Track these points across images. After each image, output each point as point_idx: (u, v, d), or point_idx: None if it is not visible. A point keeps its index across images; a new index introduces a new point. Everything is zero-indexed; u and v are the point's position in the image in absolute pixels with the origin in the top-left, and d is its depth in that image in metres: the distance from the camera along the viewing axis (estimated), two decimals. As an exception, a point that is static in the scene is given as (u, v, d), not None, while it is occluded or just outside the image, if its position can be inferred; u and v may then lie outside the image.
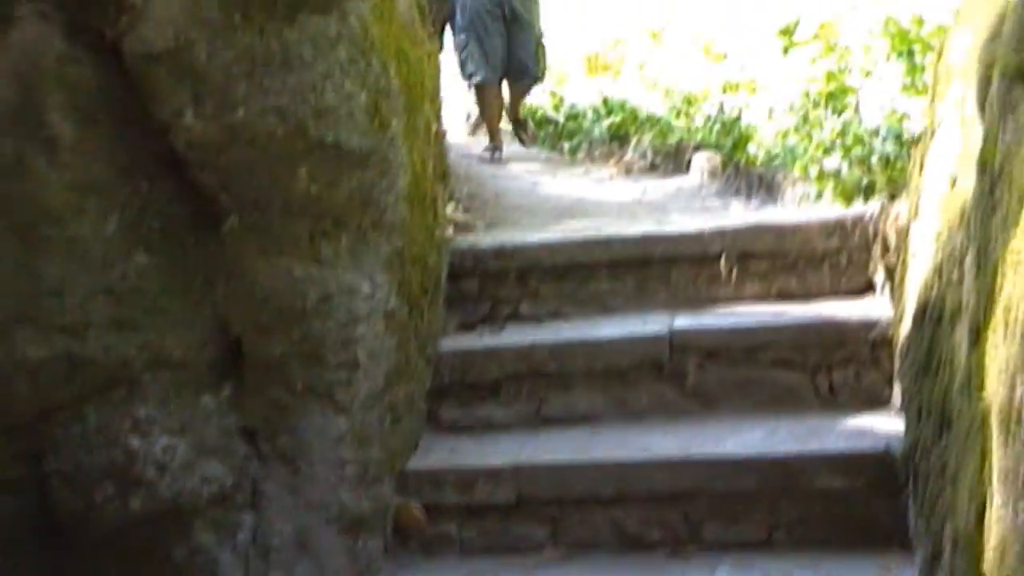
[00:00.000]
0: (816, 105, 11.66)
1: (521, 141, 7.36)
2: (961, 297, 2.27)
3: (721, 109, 7.32)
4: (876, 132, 4.22)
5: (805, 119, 8.76)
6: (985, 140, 1.99)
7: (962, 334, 2.14)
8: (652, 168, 6.22)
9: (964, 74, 2.74)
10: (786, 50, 10.84)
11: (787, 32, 10.51)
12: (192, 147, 2.88)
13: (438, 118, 3.60)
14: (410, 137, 3.13)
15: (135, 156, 2.91)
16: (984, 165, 1.99)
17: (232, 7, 2.77)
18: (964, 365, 2.04)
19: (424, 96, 3.32)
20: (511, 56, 6.80)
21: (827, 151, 4.24)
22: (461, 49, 6.76)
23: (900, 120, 11.54)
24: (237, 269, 3.02)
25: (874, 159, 3.96)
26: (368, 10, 2.89)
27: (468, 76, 6.79)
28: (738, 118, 6.47)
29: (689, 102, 7.32)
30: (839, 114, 12.20)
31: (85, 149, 2.84)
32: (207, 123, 2.83)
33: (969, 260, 2.12)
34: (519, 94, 7.20)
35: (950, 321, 2.40)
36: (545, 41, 7.13)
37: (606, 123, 6.88)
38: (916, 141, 3.80)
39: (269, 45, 2.79)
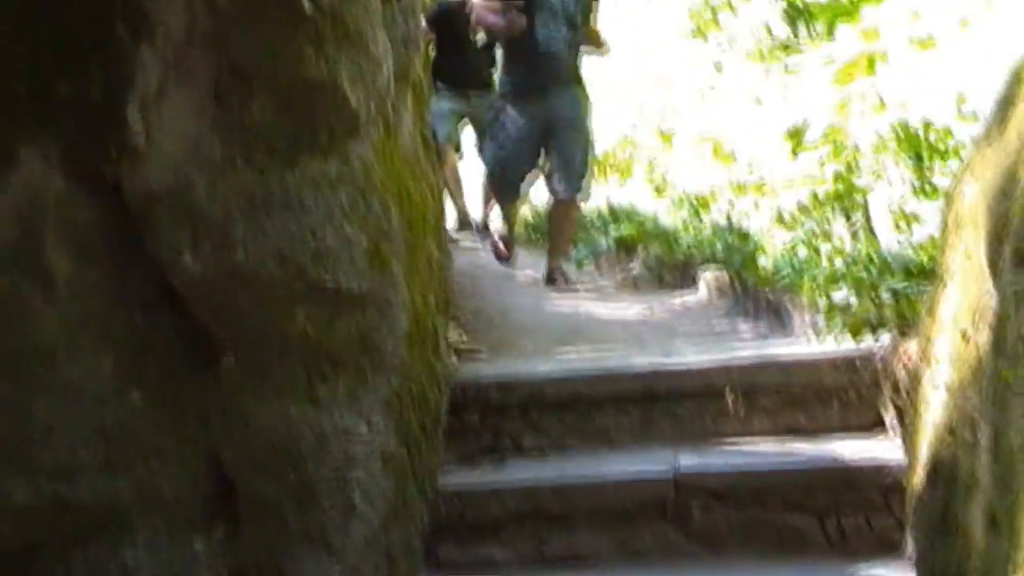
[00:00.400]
0: (824, 205, 11.66)
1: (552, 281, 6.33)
2: (975, 468, 2.19)
3: (729, 220, 7.31)
4: (885, 262, 4.16)
5: (813, 234, 8.75)
6: (999, 320, 1.94)
7: (977, 513, 2.06)
8: (660, 282, 6.18)
9: (974, 225, 2.70)
10: (795, 152, 10.89)
11: (796, 134, 10.55)
12: (190, 286, 2.84)
13: (441, 248, 3.56)
14: (411, 275, 3.09)
15: (131, 292, 2.88)
16: (998, 344, 1.93)
17: (233, 148, 2.75)
18: (983, 551, 1.95)
19: (426, 231, 3.29)
20: (551, 167, 6.06)
21: (835, 281, 4.18)
22: (488, 152, 6.38)
23: (909, 223, 11.45)
24: (233, 408, 2.96)
25: (884, 293, 3.90)
26: (371, 151, 2.87)
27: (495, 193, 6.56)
28: (746, 234, 6.44)
29: (697, 211, 7.32)
30: (848, 216, 12.18)
31: (82, 286, 2.80)
32: (206, 263, 2.79)
33: (985, 437, 2.04)
34: (558, 212, 6.25)
35: (965, 490, 2.32)
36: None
37: (613, 235, 6.87)
38: (927, 273, 3.76)
39: (270, 187, 2.76)
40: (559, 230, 6.27)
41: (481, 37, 7.04)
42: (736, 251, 5.79)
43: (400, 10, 3.03)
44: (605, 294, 5.85)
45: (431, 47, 7.45)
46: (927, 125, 8.79)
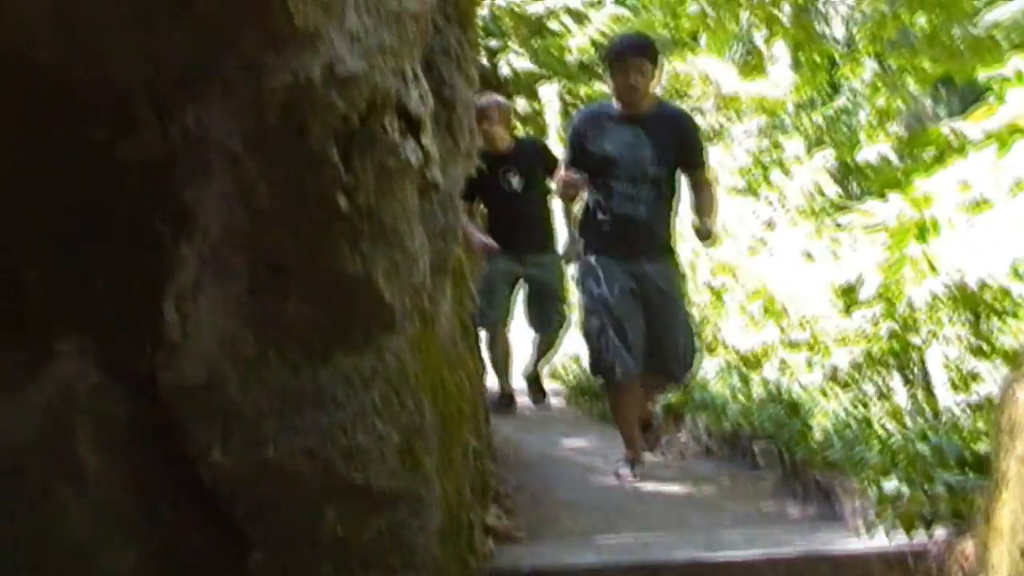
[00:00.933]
0: (879, 363, 11.47)
1: (648, 449, 5.80)
2: None
3: (778, 388, 7.19)
4: (939, 450, 4.01)
5: (866, 398, 8.58)
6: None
7: None
8: (707, 453, 6.04)
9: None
10: (848, 310, 10.77)
11: (849, 292, 10.45)
12: (219, 481, 2.80)
13: (479, 435, 3.50)
14: (445, 469, 3.03)
15: (160, 485, 2.84)
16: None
17: (267, 344, 2.74)
18: None
19: (462, 421, 3.24)
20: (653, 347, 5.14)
21: (886, 472, 4.04)
22: (591, 336, 5.17)
23: (967, 383, 11.19)
24: (259, 606, 2.88)
25: (938, 486, 3.74)
26: (406, 345, 2.84)
27: (598, 370, 5.21)
28: (796, 404, 6.31)
29: (746, 378, 7.21)
30: (905, 375, 11.95)
31: (110, 479, 2.78)
32: (235, 459, 2.76)
33: None
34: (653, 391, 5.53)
35: None
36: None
37: (661, 401, 6.76)
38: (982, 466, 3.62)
39: (302, 383, 2.74)
40: (646, 409, 5.43)
41: (517, 181, 6.95)
42: (785, 425, 5.65)
43: (439, 202, 3.04)
44: (652, 464, 5.71)
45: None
46: (983, 285, 8.67)
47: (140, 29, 2.41)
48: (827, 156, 10.92)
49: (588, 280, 5.12)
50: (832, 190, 10.90)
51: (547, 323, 7.46)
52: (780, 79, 11.47)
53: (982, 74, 8.66)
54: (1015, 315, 9.46)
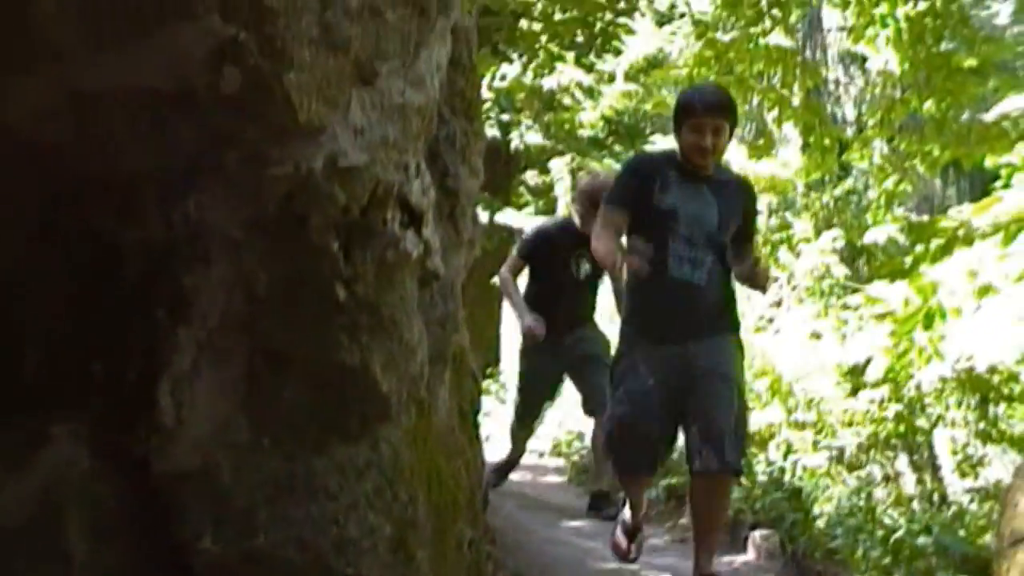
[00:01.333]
0: (885, 446, 11.35)
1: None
2: None
3: (782, 473, 7.13)
4: (942, 548, 3.96)
5: (871, 481, 8.47)
6: None
7: None
8: (709, 538, 5.95)
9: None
10: (855, 391, 10.71)
11: (856, 372, 10.40)
12: (209, 569, 2.76)
13: (474, 524, 3.46)
14: (439, 562, 2.99)
15: (149, 574, 2.81)
16: None
17: (262, 431, 2.73)
18: None
19: (458, 513, 3.20)
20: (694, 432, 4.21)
21: (888, 573, 3.99)
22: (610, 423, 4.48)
23: (974, 467, 11.03)
24: None
25: (938, 586, 3.70)
26: (401, 436, 2.83)
27: (611, 460, 4.70)
28: (799, 490, 6.25)
29: (750, 464, 7.14)
30: (913, 458, 11.78)
31: (99, 567, 2.74)
32: (226, 547, 2.73)
33: None
34: (707, 488, 4.27)
35: None
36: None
37: (663, 483, 6.70)
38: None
39: (296, 472, 2.72)
40: (708, 516, 4.27)
41: (587, 269, 6.15)
42: (787, 512, 5.60)
43: (439, 291, 3.05)
44: (654, 551, 5.64)
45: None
46: (992, 369, 8.62)
47: (148, 119, 2.43)
48: (836, 236, 10.93)
49: (617, 366, 4.38)
50: (840, 270, 10.89)
51: (604, 398, 5.48)
52: (789, 160, 11.53)
53: (990, 160, 8.72)
54: (1022, 400, 9.39)
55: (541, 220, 11.15)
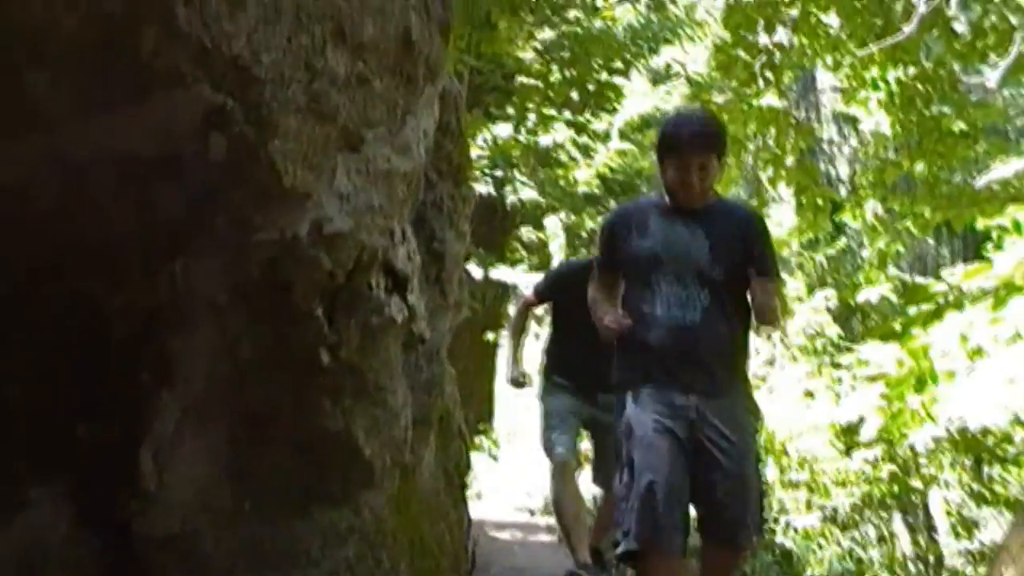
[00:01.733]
0: (879, 506, 11.27)
1: None
2: None
3: (773, 535, 7.09)
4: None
5: (859, 562, 8.41)
6: None
7: None
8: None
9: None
10: (848, 451, 10.67)
11: (850, 432, 10.37)
12: (188, 635, 2.74)
13: (459, 589, 3.43)
14: (420, 629, 2.97)
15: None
16: None
17: (244, 496, 2.72)
18: None
19: (441, 577, 3.19)
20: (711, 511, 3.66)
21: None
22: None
23: (969, 529, 10.99)
24: None
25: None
26: (384, 501, 2.81)
27: (624, 537, 3.58)
28: (789, 552, 6.21)
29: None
30: (908, 519, 11.70)
31: (77, 631, 2.72)
32: (206, 613, 2.71)
33: None
34: (720, 562, 3.78)
35: None
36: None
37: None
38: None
39: (277, 537, 2.70)
40: None
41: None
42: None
43: (424, 354, 3.05)
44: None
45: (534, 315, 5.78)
46: (985, 431, 8.60)
47: (134, 184, 2.45)
48: (828, 296, 10.96)
49: (621, 426, 3.75)
50: (833, 330, 10.92)
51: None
52: (783, 219, 11.60)
53: (980, 223, 8.77)
54: (1016, 463, 9.37)
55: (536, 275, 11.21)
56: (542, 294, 5.34)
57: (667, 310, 3.77)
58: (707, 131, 3.93)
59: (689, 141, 3.79)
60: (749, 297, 3.78)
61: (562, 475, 4.76)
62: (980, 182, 8.88)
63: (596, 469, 5.39)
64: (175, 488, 2.69)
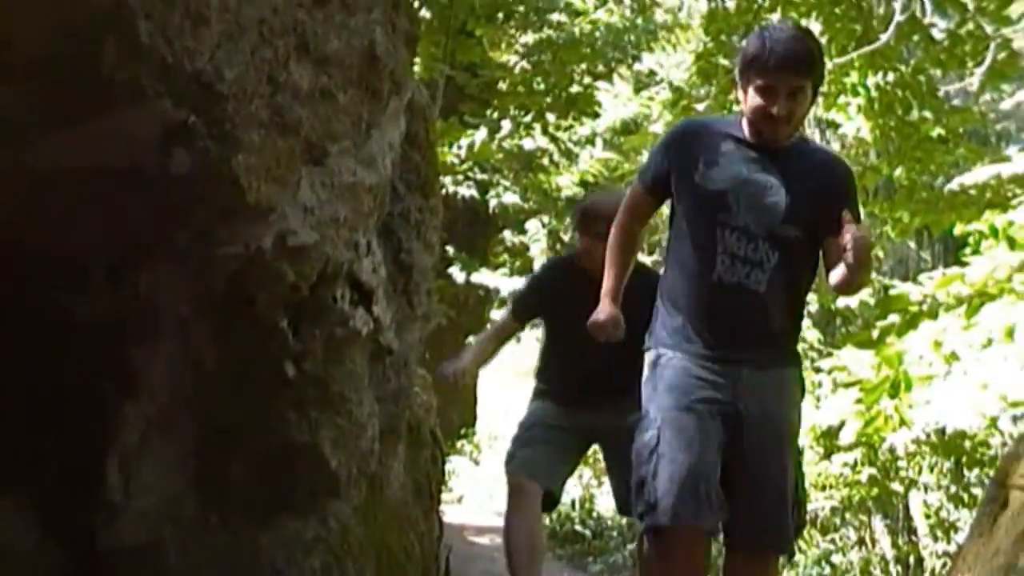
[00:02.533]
0: (859, 509, 11.33)
1: None
2: None
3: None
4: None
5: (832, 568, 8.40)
6: None
7: None
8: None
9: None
10: (828, 454, 10.71)
11: (829, 435, 10.41)
12: (153, 645, 2.75)
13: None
14: (386, 639, 2.98)
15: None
16: None
17: (209, 507, 2.73)
18: None
19: (409, 589, 3.20)
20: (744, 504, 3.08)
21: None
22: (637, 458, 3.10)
23: (948, 531, 11.05)
24: None
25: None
26: (350, 512, 2.83)
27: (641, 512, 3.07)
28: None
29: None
30: (889, 521, 11.74)
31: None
32: (170, 623, 2.72)
33: None
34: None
35: None
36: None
37: (631, 547, 6.69)
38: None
39: (242, 549, 2.72)
40: None
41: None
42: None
43: (391, 365, 3.07)
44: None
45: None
46: (962, 434, 8.66)
47: (98, 197, 2.46)
48: (808, 301, 11.00)
49: (649, 384, 3.23)
50: (812, 334, 10.95)
51: None
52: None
53: (959, 227, 8.83)
54: (994, 465, 9.43)
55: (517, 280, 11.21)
56: (520, 311, 4.22)
57: (730, 268, 3.17)
58: (802, 50, 3.21)
59: (779, 60, 3.13)
60: (830, 254, 3.14)
61: (515, 496, 3.85)
62: (952, 184, 8.94)
63: (615, 490, 4.26)
64: (141, 498, 2.70)
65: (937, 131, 9.47)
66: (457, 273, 11.46)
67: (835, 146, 14.60)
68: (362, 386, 2.79)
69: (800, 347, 11.45)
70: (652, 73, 12.90)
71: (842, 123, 11.16)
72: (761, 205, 3.16)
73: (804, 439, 10.71)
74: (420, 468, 3.57)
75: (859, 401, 7.07)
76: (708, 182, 3.19)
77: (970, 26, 8.46)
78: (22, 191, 2.44)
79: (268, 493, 2.76)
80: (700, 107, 9.98)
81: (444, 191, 10.54)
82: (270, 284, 2.55)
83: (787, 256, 3.14)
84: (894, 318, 6.82)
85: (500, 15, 10.41)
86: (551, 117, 11.60)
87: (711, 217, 3.18)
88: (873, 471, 10.48)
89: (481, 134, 9.98)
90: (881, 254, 10.88)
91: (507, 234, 13.05)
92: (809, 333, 11.03)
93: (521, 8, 10.85)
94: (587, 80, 12.36)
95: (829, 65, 9.75)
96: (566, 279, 3.94)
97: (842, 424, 9.21)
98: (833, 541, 10.99)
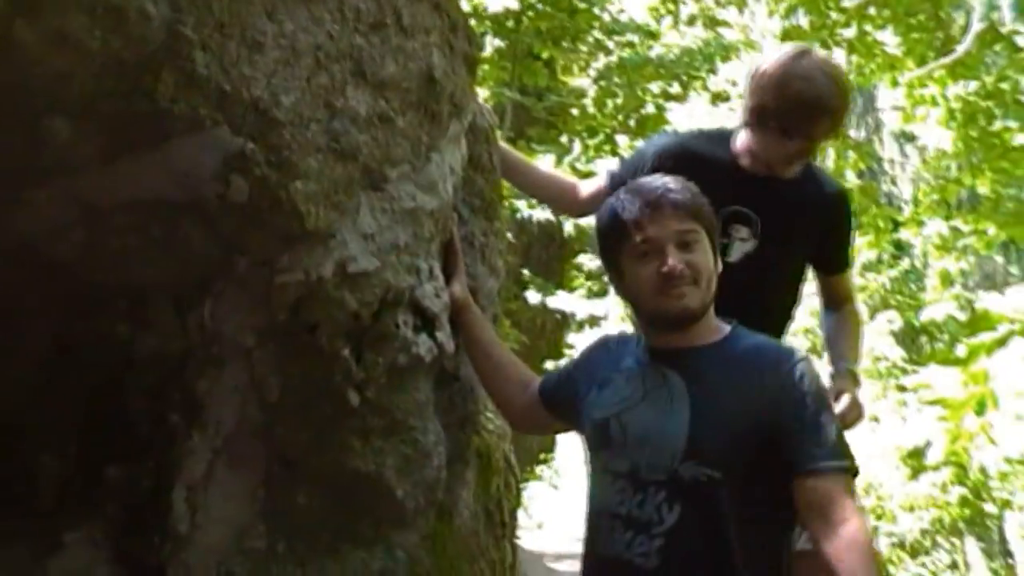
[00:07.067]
0: (949, 531, 11.01)
1: None
2: None
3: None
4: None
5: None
6: None
7: None
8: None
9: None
10: (915, 474, 10.44)
11: (916, 455, 10.15)
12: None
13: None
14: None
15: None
16: None
17: (276, 538, 2.70)
18: None
19: (481, 619, 3.14)
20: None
21: None
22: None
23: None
24: None
25: None
26: (418, 542, 2.78)
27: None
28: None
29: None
30: (980, 540, 11.46)
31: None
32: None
33: None
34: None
35: None
36: None
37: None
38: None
39: (310, 578, 2.68)
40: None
41: (749, 246, 3.19)
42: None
43: (458, 391, 3.02)
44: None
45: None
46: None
47: (159, 230, 2.46)
48: (892, 317, 10.76)
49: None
50: (896, 352, 10.71)
51: None
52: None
53: (1046, 239, 8.56)
54: (1095, 482, 9.11)
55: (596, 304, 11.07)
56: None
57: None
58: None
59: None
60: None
61: None
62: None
63: None
64: (208, 530, 2.69)
65: (1022, 139, 9.22)
66: (533, 296, 11.43)
67: (914, 160, 14.30)
68: (427, 413, 2.74)
69: (883, 365, 11.24)
70: (725, 92, 12.76)
71: (923, 136, 10.94)
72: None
73: (891, 460, 10.48)
74: (492, 495, 3.50)
75: (943, 419, 6.87)
76: None
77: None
78: (82, 226, 2.46)
79: (334, 523, 2.72)
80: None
81: (519, 215, 10.54)
82: (331, 312, 2.52)
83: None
84: (983, 336, 6.62)
85: (568, 38, 10.41)
86: (622, 139, 11.54)
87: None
88: (964, 491, 10.19)
89: (549, 158, 9.97)
90: (967, 267, 10.59)
91: (583, 257, 12.98)
92: (892, 351, 10.78)
93: (593, 31, 10.85)
94: (660, 102, 12.29)
95: (907, 77, 9.57)
96: None
97: (928, 444, 8.97)
98: (924, 565, 10.68)
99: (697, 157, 3.11)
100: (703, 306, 2.36)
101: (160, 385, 2.66)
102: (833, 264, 3.36)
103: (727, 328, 2.44)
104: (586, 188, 3.33)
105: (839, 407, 2.87)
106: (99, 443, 2.68)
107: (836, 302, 3.45)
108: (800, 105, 2.91)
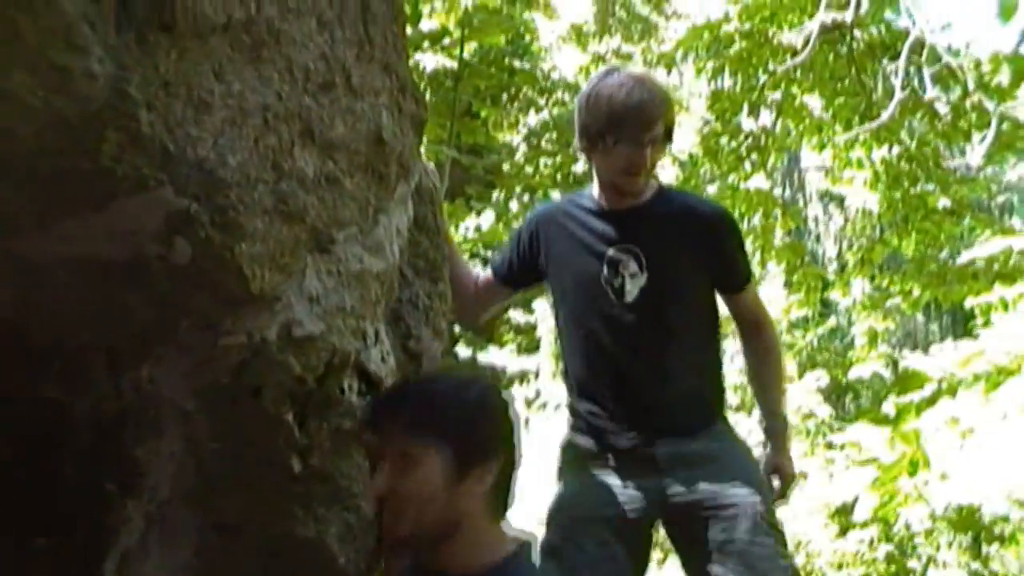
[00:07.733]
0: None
1: None
2: None
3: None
4: None
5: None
6: None
7: None
8: None
9: None
10: (843, 532, 10.52)
11: (843, 512, 10.25)
12: None
13: None
14: None
15: None
16: None
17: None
18: None
19: None
20: None
21: None
22: None
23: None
24: None
25: None
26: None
27: None
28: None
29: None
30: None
31: None
32: None
33: None
34: None
35: None
36: None
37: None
38: None
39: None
40: None
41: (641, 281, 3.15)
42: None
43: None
44: None
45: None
46: (974, 507, 8.52)
47: (97, 289, 2.39)
48: (819, 376, 10.91)
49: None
50: (824, 410, 10.85)
51: None
52: (772, 297, 11.59)
53: (969, 300, 8.78)
54: (1014, 540, 9.28)
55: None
56: (501, 259, 3.60)
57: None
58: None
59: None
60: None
61: None
62: (963, 258, 8.93)
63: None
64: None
65: (944, 202, 9.48)
66: (464, 352, 11.39)
67: (838, 220, 14.62)
68: (367, 479, 2.68)
69: (812, 423, 11.45)
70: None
71: (848, 197, 11.19)
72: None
73: (819, 518, 10.55)
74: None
75: (877, 481, 6.95)
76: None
77: (974, 98, 8.49)
78: (17, 283, 2.38)
79: (274, 594, 2.64)
80: (711, 188, 10.00)
81: (450, 271, 10.51)
82: (276, 375, 2.46)
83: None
84: (912, 396, 6.73)
85: (504, 96, 10.50)
86: (558, 197, 11.62)
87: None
88: (890, 548, 10.28)
89: (488, 216, 10.00)
90: (892, 326, 10.80)
91: (513, 313, 12.98)
92: (820, 410, 10.91)
93: (525, 89, 10.95)
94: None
95: (836, 140, 9.83)
96: None
97: (855, 500, 9.06)
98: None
99: (567, 215, 3.40)
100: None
101: (96, 450, 2.57)
102: (731, 282, 3.42)
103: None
104: (481, 282, 3.61)
105: (776, 483, 3.33)
106: (28, 511, 2.58)
107: (747, 324, 3.53)
108: (613, 111, 3.09)
